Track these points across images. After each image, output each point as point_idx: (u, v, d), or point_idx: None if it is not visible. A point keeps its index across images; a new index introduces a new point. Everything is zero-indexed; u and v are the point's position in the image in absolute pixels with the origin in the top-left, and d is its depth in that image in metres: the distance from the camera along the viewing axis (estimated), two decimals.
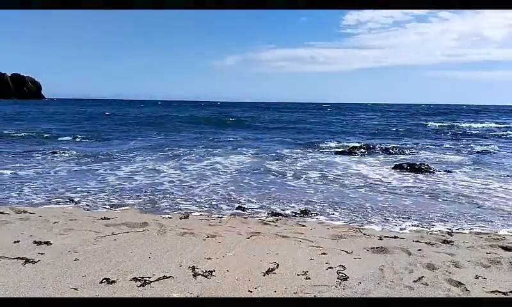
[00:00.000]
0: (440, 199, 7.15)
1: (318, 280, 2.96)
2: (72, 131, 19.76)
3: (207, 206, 6.01)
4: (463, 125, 28.52)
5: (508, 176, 9.32)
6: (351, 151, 13.34)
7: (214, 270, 3.06)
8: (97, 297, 2.61)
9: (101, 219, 4.63)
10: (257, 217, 5.32)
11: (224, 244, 3.75)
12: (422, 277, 3.06)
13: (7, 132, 18.17)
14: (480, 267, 3.34)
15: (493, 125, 27.77)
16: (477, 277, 3.08)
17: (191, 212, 5.46)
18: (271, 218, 5.24)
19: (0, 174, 8.01)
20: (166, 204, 6.05)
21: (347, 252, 3.65)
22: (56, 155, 11.33)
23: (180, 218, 4.97)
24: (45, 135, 17.38)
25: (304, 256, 3.49)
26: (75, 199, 6.05)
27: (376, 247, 3.79)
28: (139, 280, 2.85)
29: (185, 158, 11.24)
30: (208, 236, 3.97)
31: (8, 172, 8.33)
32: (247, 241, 3.90)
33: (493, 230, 4.91)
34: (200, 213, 5.50)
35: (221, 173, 9.02)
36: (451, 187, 8.08)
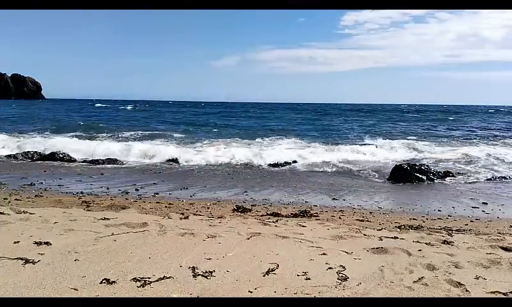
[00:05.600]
0: (438, 197, 7.15)
1: (318, 280, 2.96)
2: None
3: None
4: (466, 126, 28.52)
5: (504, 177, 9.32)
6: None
7: (214, 271, 3.06)
8: (97, 297, 2.61)
9: (101, 219, 4.63)
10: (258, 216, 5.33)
11: (224, 245, 3.75)
12: (422, 277, 3.06)
13: None
14: (481, 267, 3.33)
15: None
16: (477, 278, 3.08)
17: (190, 214, 5.46)
18: (271, 218, 5.24)
19: None
20: None
21: (347, 252, 3.65)
22: None
23: (180, 218, 4.97)
24: None
25: (304, 257, 3.48)
26: None
27: (376, 248, 3.78)
28: (139, 280, 2.84)
29: None
30: (208, 237, 3.97)
31: None
32: (247, 241, 3.90)
33: (493, 230, 4.91)
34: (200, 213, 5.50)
35: None
36: (450, 187, 8.09)
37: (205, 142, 15.60)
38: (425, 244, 4.03)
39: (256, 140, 16.75)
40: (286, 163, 10.99)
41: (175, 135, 18.15)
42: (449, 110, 64.77)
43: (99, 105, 63.22)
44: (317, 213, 5.73)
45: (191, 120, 30.94)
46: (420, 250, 3.78)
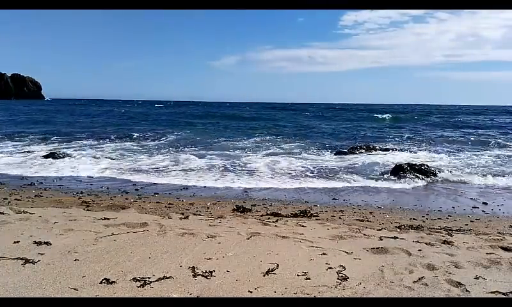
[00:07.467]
0: (438, 197, 7.15)
1: (318, 280, 2.96)
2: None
3: None
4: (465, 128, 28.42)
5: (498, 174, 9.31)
6: (351, 151, 13.35)
7: (214, 271, 3.06)
8: (97, 297, 2.61)
9: (101, 219, 4.63)
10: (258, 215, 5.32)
11: (224, 245, 3.75)
12: (422, 277, 3.06)
13: None
14: (480, 267, 3.33)
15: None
16: (477, 278, 3.08)
17: (191, 213, 5.46)
18: (271, 218, 5.24)
19: None
20: None
21: (347, 252, 3.65)
22: None
23: (180, 218, 4.97)
24: None
25: (304, 257, 3.48)
26: None
27: (376, 248, 3.78)
28: (139, 280, 2.84)
29: None
30: (208, 237, 3.97)
31: None
32: (247, 241, 3.90)
33: (493, 230, 4.91)
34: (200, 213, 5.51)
35: None
36: (450, 187, 8.10)
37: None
38: (425, 244, 4.03)
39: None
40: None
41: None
42: (451, 110, 64.63)
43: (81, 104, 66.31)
44: (317, 213, 5.73)
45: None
46: (420, 250, 3.78)
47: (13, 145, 14.45)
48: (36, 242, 3.58)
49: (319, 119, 35.30)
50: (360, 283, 2.93)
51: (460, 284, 2.95)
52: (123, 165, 10.41)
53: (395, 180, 8.90)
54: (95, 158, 11.45)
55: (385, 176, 9.32)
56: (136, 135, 18.81)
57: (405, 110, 61.40)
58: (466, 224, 5.33)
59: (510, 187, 8.23)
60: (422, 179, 8.86)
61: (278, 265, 3.22)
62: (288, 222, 5.03)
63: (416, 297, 2.76)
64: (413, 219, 5.62)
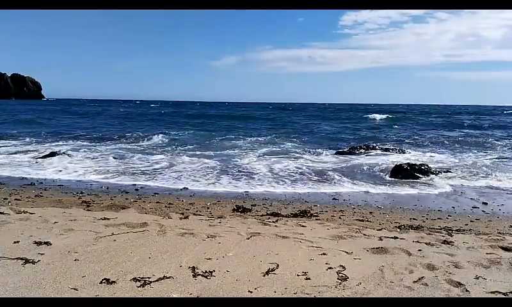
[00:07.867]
0: (438, 197, 7.15)
1: (318, 280, 2.96)
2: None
3: None
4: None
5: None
6: (350, 151, 13.35)
7: (214, 271, 3.06)
8: (97, 297, 2.61)
9: (101, 219, 4.63)
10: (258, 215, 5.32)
11: (224, 245, 3.75)
12: (422, 277, 3.06)
13: None
14: (480, 267, 3.33)
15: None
16: (477, 278, 3.08)
17: (191, 213, 5.46)
18: (271, 218, 5.24)
19: None
20: None
21: (347, 252, 3.65)
22: None
23: (180, 218, 4.97)
24: None
25: (304, 257, 3.48)
26: None
27: (376, 248, 3.78)
28: (139, 280, 2.84)
29: None
30: (208, 237, 3.97)
31: None
32: (247, 241, 3.90)
33: (493, 230, 4.91)
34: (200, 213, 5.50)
35: None
36: (450, 187, 8.10)
37: None
38: (425, 243, 4.03)
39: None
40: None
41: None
42: (451, 110, 64.63)
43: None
44: (317, 213, 5.73)
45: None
46: (420, 250, 3.78)
47: (13, 145, 14.48)
48: (36, 242, 3.58)
49: (319, 119, 35.28)
50: (360, 283, 2.93)
51: (460, 284, 2.95)
52: (122, 165, 10.42)
53: (395, 180, 8.90)
54: (93, 158, 11.47)
55: (385, 176, 9.32)
56: (135, 135, 18.83)
57: (405, 110, 61.34)
58: (466, 224, 5.33)
59: (510, 187, 8.23)
60: (422, 179, 8.86)
61: (278, 265, 3.22)
62: (288, 222, 5.03)
63: (416, 297, 2.76)
64: (413, 219, 5.62)
